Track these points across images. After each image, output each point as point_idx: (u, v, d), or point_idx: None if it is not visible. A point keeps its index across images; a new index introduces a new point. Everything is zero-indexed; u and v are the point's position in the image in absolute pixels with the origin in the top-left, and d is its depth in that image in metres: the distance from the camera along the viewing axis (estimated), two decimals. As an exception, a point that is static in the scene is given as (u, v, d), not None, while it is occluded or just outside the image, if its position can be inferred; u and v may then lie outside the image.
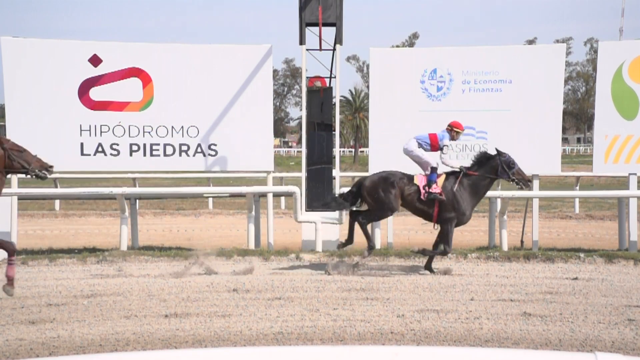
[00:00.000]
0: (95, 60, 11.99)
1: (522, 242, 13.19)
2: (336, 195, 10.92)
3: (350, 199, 10.54)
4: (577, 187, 20.69)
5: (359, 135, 58.92)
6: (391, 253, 11.48)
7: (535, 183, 12.60)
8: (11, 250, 8.32)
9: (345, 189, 12.66)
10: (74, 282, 9.57)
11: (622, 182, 17.24)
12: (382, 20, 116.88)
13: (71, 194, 16.48)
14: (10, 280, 8.27)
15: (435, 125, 12.41)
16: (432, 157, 10.44)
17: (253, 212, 12.43)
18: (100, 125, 12.05)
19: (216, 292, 8.85)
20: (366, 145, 43.20)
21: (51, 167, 8.57)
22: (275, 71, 70.45)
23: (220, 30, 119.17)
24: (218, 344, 6.67)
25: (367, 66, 51.65)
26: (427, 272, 10.19)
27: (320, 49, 12.87)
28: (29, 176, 8.53)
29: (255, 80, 12.27)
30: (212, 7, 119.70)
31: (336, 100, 12.99)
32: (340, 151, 13.14)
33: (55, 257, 11.26)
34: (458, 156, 12.43)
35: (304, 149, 13.13)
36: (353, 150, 59.28)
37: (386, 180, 10.37)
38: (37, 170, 8.40)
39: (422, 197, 10.22)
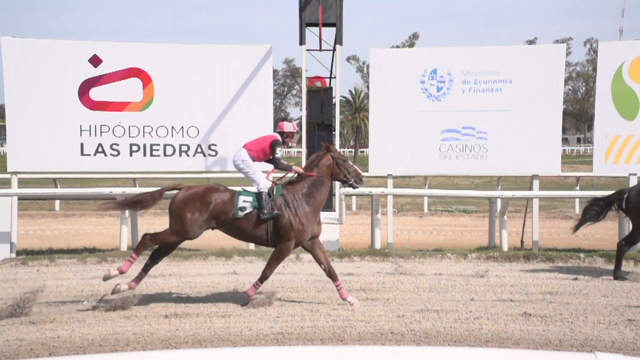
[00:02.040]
0: (95, 61, 11.99)
1: (522, 242, 13.19)
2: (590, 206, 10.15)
3: (598, 211, 9.98)
4: (577, 187, 20.69)
5: (359, 135, 58.93)
6: (391, 253, 11.47)
7: (535, 183, 12.61)
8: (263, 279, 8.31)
9: (345, 189, 12.67)
10: (74, 282, 9.57)
11: (622, 183, 17.23)
12: (382, 20, 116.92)
13: (71, 194, 16.47)
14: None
15: (435, 125, 12.45)
16: None
17: (253, 212, 12.40)
18: (100, 126, 12.04)
19: (216, 292, 8.85)
20: (366, 146, 43.18)
21: (363, 176, 8.71)
22: (275, 71, 70.44)
23: (220, 30, 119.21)
24: (218, 344, 6.67)
25: (367, 66, 51.68)
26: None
27: (320, 49, 12.88)
28: (346, 185, 8.71)
29: (255, 81, 12.26)
30: (212, 7, 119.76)
31: (336, 101, 13.00)
32: (340, 151, 13.12)
33: (55, 257, 11.26)
34: (458, 156, 12.44)
35: (304, 149, 13.13)
36: (353, 150, 59.28)
37: None
38: (353, 180, 8.51)
39: None
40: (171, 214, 8.09)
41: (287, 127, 8.75)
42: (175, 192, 8.26)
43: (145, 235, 8.12)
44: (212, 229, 8.24)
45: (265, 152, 8.52)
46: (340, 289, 8.23)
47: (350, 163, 8.63)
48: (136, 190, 13.73)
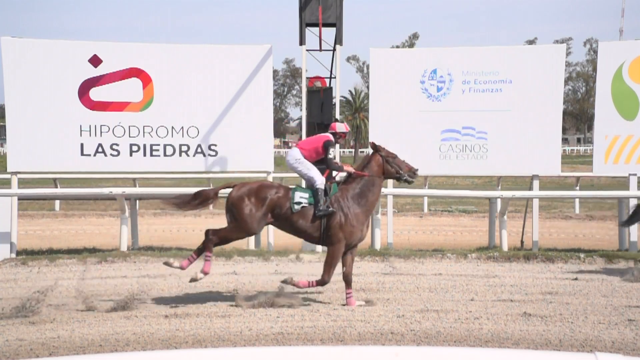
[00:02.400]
0: (95, 61, 11.99)
1: (522, 242, 13.20)
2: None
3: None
4: (577, 187, 20.69)
5: (359, 135, 58.95)
6: (391, 253, 11.47)
7: (535, 183, 12.61)
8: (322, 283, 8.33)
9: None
10: (74, 282, 9.57)
11: (622, 183, 17.22)
12: (382, 20, 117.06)
13: (71, 194, 16.47)
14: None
15: (435, 125, 12.46)
16: None
17: (253, 213, 12.41)
18: (101, 126, 12.04)
19: (216, 292, 8.85)
20: (366, 146, 43.20)
21: (417, 170, 8.73)
22: (275, 71, 70.48)
23: (220, 30, 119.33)
24: (218, 344, 6.67)
25: (367, 66, 51.70)
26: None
27: (320, 50, 12.88)
28: (401, 181, 8.69)
29: (256, 81, 12.26)
30: (212, 7, 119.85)
31: (336, 101, 12.99)
32: (340, 152, 13.13)
33: (55, 257, 11.25)
34: (458, 157, 12.43)
35: (304, 149, 13.10)
36: (353, 150, 59.29)
37: None
38: (407, 175, 8.56)
39: None
40: (229, 211, 8.18)
41: (340, 127, 8.79)
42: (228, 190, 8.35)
43: (207, 231, 8.20)
44: (268, 224, 8.34)
45: (318, 152, 8.54)
46: (349, 297, 8.24)
47: (401, 159, 8.66)
48: (136, 191, 13.77)
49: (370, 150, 8.87)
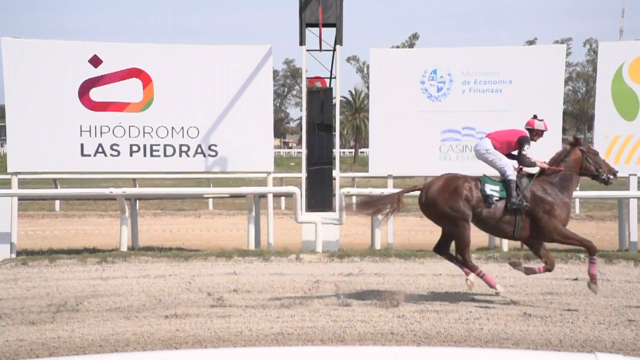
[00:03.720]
0: (95, 61, 11.99)
1: (522, 242, 13.17)
2: None
3: None
4: (577, 188, 20.65)
5: (359, 135, 58.94)
6: (391, 253, 11.46)
7: (536, 183, 12.60)
8: (593, 249, 8.09)
9: (346, 190, 12.67)
10: (74, 282, 9.57)
11: (622, 183, 17.20)
12: (382, 20, 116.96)
13: (71, 194, 16.49)
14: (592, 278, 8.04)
15: (435, 125, 12.45)
16: None
17: (253, 213, 12.43)
18: (101, 126, 12.05)
19: (216, 293, 8.84)
20: (366, 146, 43.21)
21: (617, 172, 8.52)
22: (275, 72, 70.41)
23: (220, 30, 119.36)
24: (218, 344, 6.68)
25: (367, 66, 51.62)
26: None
27: (321, 50, 12.87)
28: (598, 180, 8.51)
29: (256, 81, 12.26)
30: (212, 7, 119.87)
31: (336, 101, 12.99)
32: (340, 152, 13.13)
33: (55, 257, 11.25)
34: (458, 157, 12.43)
35: (304, 150, 13.13)
36: (353, 150, 59.30)
37: None
38: (606, 174, 8.35)
39: None
40: (436, 216, 8.23)
41: (538, 125, 8.61)
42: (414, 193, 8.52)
43: (457, 257, 8.35)
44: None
45: (510, 146, 8.40)
46: (533, 269, 8.32)
47: (602, 157, 8.44)
48: (136, 191, 13.77)
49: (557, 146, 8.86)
